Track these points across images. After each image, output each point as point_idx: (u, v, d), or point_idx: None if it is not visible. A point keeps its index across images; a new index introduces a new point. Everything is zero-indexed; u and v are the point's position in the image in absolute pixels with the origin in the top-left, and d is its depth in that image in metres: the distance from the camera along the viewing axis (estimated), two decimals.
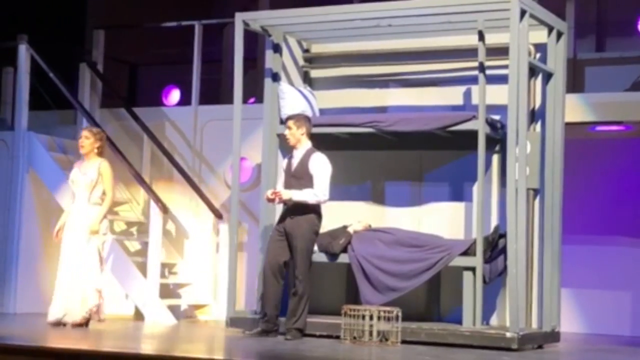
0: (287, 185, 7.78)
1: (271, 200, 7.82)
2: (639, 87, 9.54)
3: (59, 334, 7.67)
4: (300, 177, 7.71)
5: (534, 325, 8.03)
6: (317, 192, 7.68)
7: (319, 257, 8.21)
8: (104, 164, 8.31)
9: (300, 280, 7.65)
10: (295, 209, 7.70)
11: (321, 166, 7.73)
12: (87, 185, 8.24)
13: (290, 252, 7.71)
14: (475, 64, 7.99)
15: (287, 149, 8.11)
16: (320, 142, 8.60)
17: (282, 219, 7.79)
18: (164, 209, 9.49)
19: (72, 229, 8.22)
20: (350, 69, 8.86)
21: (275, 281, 7.73)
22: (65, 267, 8.17)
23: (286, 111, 8.44)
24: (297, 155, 7.82)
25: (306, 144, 7.83)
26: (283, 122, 7.90)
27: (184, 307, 9.88)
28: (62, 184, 9.74)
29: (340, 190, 8.64)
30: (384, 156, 8.64)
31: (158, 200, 9.50)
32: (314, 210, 7.72)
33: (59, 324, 8.09)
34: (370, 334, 7.48)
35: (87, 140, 8.35)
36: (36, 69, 10.01)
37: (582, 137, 9.54)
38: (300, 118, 7.87)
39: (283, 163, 8.04)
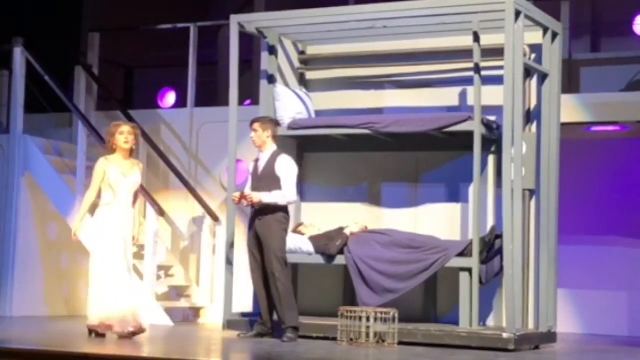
0: (255, 188, 7.82)
1: (239, 203, 7.87)
2: (634, 88, 9.55)
3: (56, 337, 7.66)
4: (267, 179, 7.76)
5: (531, 326, 8.03)
6: (285, 194, 7.70)
7: (316, 258, 8.21)
8: (141, 166, 7.85)
9: (277, 279, 7.66)
10: (263, 211, 7.75)
11: (288, 168, 7.77)
12: (131, 189, 7.67)
13: (262, 252, 7.74)
14: (471, 65, 8.00)
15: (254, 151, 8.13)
16: (316, 143, 8.62)
17: (252, 222, 7.84)
18: (160, 212, 9.49)
19: (118, 234, 7.56)
20: (345, 70, 8.86)
21: (264, 286, 7.78)
22: (114, 273, 7.51)
23: (282, 113, 8.45)
24: (263, 158, 7.87)
25: (272, 146, 7.88)
26: (249, 125, 7.95)
27: (180, 309, 9.87)
28: (58, 187, 9.74)
29: (337, 192, 8.65)
30: (380, 157, 8.64)
31: (154, 203, 9.49)
32: (282, 209, 7.76)
33: (97, 330, 7.55)
34: (367, 335, 7.48)
35: (131, 136, 7.69)
36: (32, 71, 10.00)
37: (577, 137, 9.55)
38: (265, 121, 7.92)
39: (250, 166, 8.06)
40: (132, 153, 7.77)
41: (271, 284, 7.71)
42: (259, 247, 7.79)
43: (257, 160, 7.94)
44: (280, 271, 7.67)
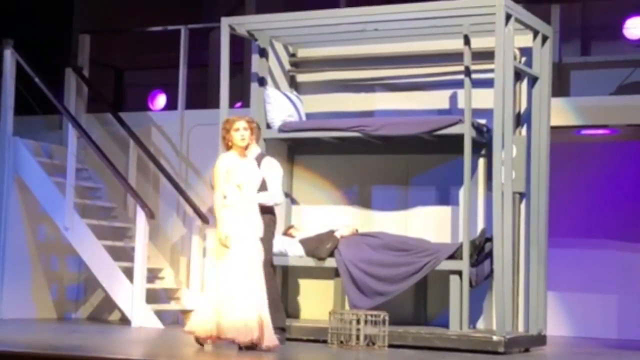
0: None
1: None
2: (624, 91, 9.58)
3: (42, 338, 7.64)
4: None
5: (521, 328, 8.04)
6: (272, 195, 7.69)
7: (306, 261, 8.21)
8: (271, 159, 7.38)
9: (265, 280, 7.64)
10: None
11: (273, 169, 7.77)
12: (256, 186, 7.23)
13: None
14: (461, 68, 8.01)
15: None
16: (307, 146, 8.61)
17: None
18: (151, 214, 9.47)
19: (246, 237, 7.06)
20: (336, 73, 8.87)
21: None
22: (241, 279, 6.98)
23: (273, 115, 8.45)
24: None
25: (255, 149, 7.88)
26: (248, 121, 7.92)
27: (170, 312, 9.86)
28: (48, 189, 9.72)
29: (327, 195, 8.65)
30: (371, 160, 8.64)
31: (144, 205, 9.48)
32: (269, 211, 7.75)
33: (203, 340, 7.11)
34: (357, 338, 7.48)
35: (247, 132, 7.24)
36: (22, 73, 9.98)
37: (567, 140, 9.57)
38: (257, 124, 7.92)
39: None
40: (247, 148, 7.29)
41: None
42: None
43: None
44: (266, 273, 7.65)
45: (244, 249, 7.02)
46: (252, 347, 7.02)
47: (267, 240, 7.70)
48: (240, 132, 7.19)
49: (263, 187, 7.72)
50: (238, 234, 7.02)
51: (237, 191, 7.09)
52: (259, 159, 7.84)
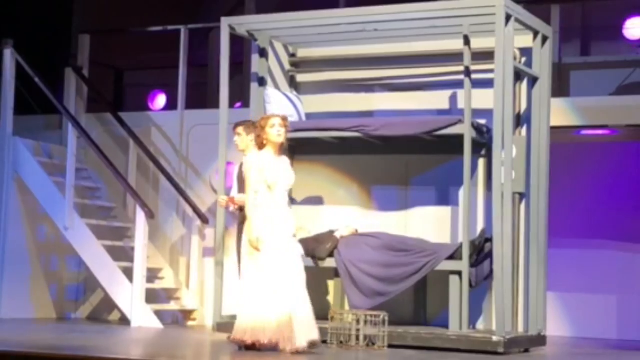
0: (241, 192, 7.81)
1: (227, 207, 7.84)
2: (623, 91, 9.57)
3: (41, 338, 7.64)
4: None
5: (521, 329, 8.04)
6: None
7: (306, 261, 8.19)
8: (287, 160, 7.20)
9: None
10: None
11: None
12: (288, 187, 7.14)
13: None
14: (461, 68, 8.01)
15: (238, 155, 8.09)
16: (307, 146, 8.61)
17: (240, 226, 7.82)
18: (150, 214, 9.47)
19: (281, 237, 6.96)
20: (336, 73, 8.87)
21: None
22: (269, 282, 6.88)
23: None
24: None
25: (254, 150, 7.87)
26: (233, 129, 7.95)
27: (170, 312, 9.86)
28: (48, 188, 9.72)
29: (327, 195, 8.64)
30: (370, 160, 8.64)
31: (144, 205, 9.48)
32: None
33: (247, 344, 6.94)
34: (357, 338, 7.48)
35: (283, 129, 7.09)
36: (22, 73, 9.98)
37: (567, 141, 9.57)
38: (249, 125, 7.93)
39: (235, 170, 8.05)
40: (282, 147, 7.14)
41: None
42: None
43: (241, 165, 7.94)
44: None
45: (275, 250, 6.91)
46: (253, 347, 6.96)
47: None
48: (277, 128, 7.04)
49: None
50: (269, 234, 6.91)
51: (268, 191, 6.98)
52: None
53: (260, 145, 7.11)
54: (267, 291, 6.87)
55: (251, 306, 6.89)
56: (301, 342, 6.83)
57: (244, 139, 7.89)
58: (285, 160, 7.18)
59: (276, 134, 7.06)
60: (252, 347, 6.95)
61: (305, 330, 6.87)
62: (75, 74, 10.71)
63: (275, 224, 6.95)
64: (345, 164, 8.71)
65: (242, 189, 7.85)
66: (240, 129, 7.93)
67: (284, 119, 7.16)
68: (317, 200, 8.60)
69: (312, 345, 6.89)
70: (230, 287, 8.74)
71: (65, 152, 9.87)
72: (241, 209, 7.79)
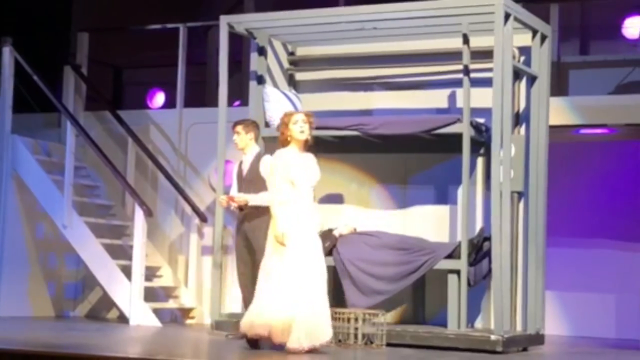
0: (240, 191, 7.82)
1: (227, 206, 7.84)
2: (622, 91, 9.58)
3: (40, 336, 7.63)
4: (252, 181, 7.75)
5: (519, 327, 8.04)
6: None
7: None
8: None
9: None
10: (251, 214, 7.73)
11: None
12: (312, 184, 7.02)
13: (254, 252, 7.72)
14: (460, 67, 8.00)
15: (237, 154, 8.09)
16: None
17: (240, 225, 7.82)
18: (149, 212, 9.47)
19: (307, 233, 6.88)
20: (335, 71, 8.86)
21: (250, 287, 7.76)
22: (292, 279, 6.81)
23: (271, 114, 8.45)
24: (247, 160, 7.88)
25: (254, 148, 7.89)
26: (232, 127, 7.96)
27: (168, 310, 9.85)
28: (46, 186, 9.71)
29: (326, 194, 8.64)
30: (369, 159, 8.64)
31: (142, 203, 9.47)
32: (270, 212, 7.73)
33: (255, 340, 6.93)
34: (355, 336, 7.48)
35: (306, 125, 6.99)
36: (20, 71, 9.97)
37: (566, 140, 9.57)
38: (248, 123, 7.93)
39: (234, 169, 8.06)
40: (306, 144, 7.04)
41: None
42: (247, 249, 7.78)
43: (240, 163, 7.95)
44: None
45: (300, 247, 6.83)
46: (256, 345, 6.94)
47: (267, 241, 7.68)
48: (300, 124, 6.95)
49: (263, 186, 7.72)
50: (295, 231, 6.83)
51: (291, 188, 6.90)
52: (258, 158, 7.85)
53: (284, 142, 7.01)
54: (291, 288, 6.78)
55: (274, 303, 6.79)
56: (319, 340, 6.78)
57: (243, 138, 7.90)
58: (310, 157, 7.06)
59: (299, 130, 6.97)
60: (258, 342, 6.93)
61: (322, 328, 6.81)
62: (74, 72, 10.70)
63: (301, 220, 6.87)
64: (343, 162, 8.71)
65: (241, 187, 7.86)
66: (239, 128, 7.93)
67: (308, 115, 7.05)
68: (315, 199, 8.58)
69: (325, 345, 6.86)
70: (229, 285, 8.75)
71: (63, 150, 9.87)
72: (241, 208, 7.79)
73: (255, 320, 6.85)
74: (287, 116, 7.06)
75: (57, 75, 10.70)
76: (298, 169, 6.92)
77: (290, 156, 6.96)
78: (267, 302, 6.84)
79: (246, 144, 7.90)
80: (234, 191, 7.95)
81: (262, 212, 7.68)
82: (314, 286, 6.85)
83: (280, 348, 6.86)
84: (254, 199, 7.70)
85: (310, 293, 6.82)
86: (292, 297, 6.77)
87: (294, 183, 6.92)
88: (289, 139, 7.01)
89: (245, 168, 7.87)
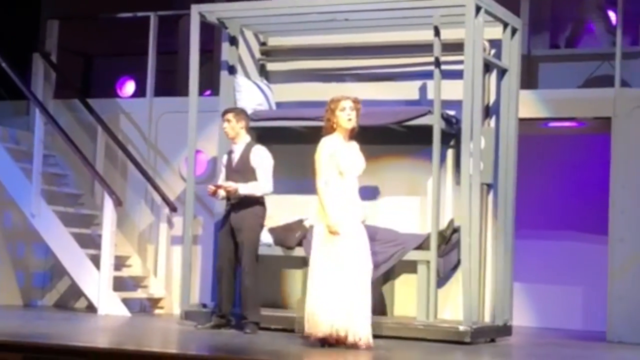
0: (230, 180, 7.77)
1: (214, 195, 7.79)
2: (591, 84, 9.64)
3: (7, 325, 7.58)
4: (242, 171, 7.72)
5: (487, 319, 8.09)
6: (261, 184, 7.69)
7: (275, 250, 8.21)
8: (261, 149, 7.10)
9: (247, 273, 7.65)
10: (239, 204, 7.71)
11: (263, 158, 7.75)
12: (358, 174, 6.84)
13: (237, 245, 7.71)
14: (431, 59, 8.03)
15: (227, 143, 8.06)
16: (276, 135, 8.59)
17: (227, 214, 7.80)
18: (118, 202, 9.42)
19: (354, 223, 6.71)
20: (306, 62, 8.86)
21: (227, 277, 7.75)
22: (347, 276, 6.64)
23: (242, 104, 8.43)
24: (237, 150, 7.83)
25: (245, 137, 7.85)
26: (222, 115, 7.92)
27: (137, 300, 9.82)
28: (15, 175, 9.63)
29: (297, 184, 8.64)
30: None
31: (112, 192, 9.43)
32: (258, 202, 7.73)
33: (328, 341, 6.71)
34: None
35: (353, 112, 6.76)
36: None
37: (535, 133, 9.63)
38: (239, 112, 7.89)
39: (223, 159, 8.03)
40: (353, 132, 6.75)
41: (242, 277, 7.67)
42: (233, 238, 7.73)
43: (230, 152, 7.89)
44: (250, 266, 7.65)
45: (349, 236, 6.62)
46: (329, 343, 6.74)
47: (255, 233, 7.67)
48: (347, 111, 6.64)
49: (252, 176, 7.68)
50: (343, 220, 6.60)
51: (339, 178, 6.66)
52: (248, 148, 7.80)
53: (330, 130, 6.69)
54: (338, 282, 6.60)
55: (325, 298, 6.63)
56: (360, 336, 6.65)
57: (234, 126, 7.80)
58: (355, 145, 6.81)
59: (346, 118, 6.67)
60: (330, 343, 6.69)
61: (363, 323, 6.67)
62: (43, 60, 10.61)
63: (349, 210, 6.65)
64: (315, 153, 8.68)
65: (230, 177, 7.77)
66: (230, 116, 7.83)
67: (355, 101, 6.72)
68: (286, 189, 8.58)
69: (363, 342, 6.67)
70: (198, 275, 8.72)
71: (32, 138, 9.79)
72: (229, 197, 7.74)
73: (336, 321, 6.58)
74: (334, 102, 6.71)
75: (26, 63, 10.61)
76: (347, 158, 6.65)
77: (337, 145, 6.66)
78: (337, 298, 6.59)
79: (237, 133, 7.82)
80: (221, 181, 7.89)
81: (251, 203, 7.65)
82: (365, 277, 6.68)
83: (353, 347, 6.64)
84: (243, 188, 7.66)
85: (358, 287, 6.64)
86: (346, 291, 6.58)
87: (342, 173, 6.67)
88: (334, 126, 6.70)
89: (236, 158, 7.81)
